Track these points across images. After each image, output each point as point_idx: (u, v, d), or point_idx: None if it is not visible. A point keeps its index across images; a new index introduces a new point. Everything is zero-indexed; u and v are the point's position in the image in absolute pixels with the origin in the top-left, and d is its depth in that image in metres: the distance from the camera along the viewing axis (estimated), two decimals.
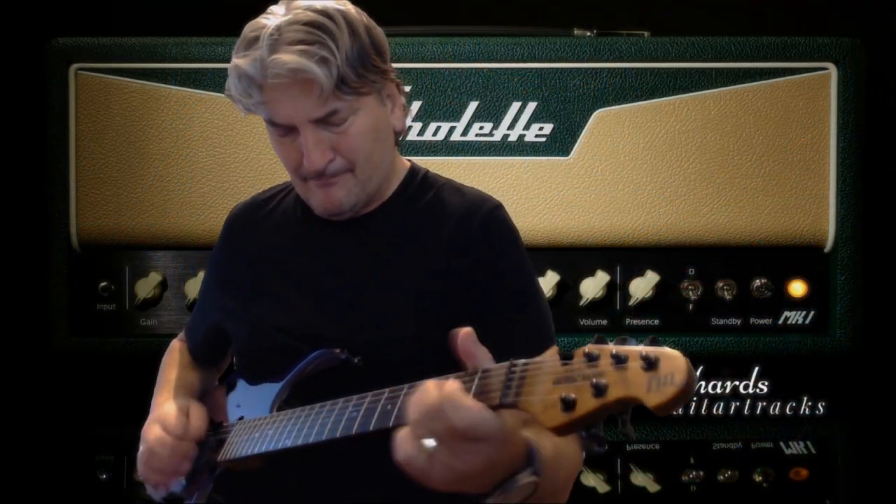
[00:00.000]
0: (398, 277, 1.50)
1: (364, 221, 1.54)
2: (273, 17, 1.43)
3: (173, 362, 1.77)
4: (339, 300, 1.51)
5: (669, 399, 1.00)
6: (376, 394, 1.26)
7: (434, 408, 1.11)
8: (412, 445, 1.13)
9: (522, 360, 1.12)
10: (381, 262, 1.52)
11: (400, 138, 1.57)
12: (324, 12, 1.42)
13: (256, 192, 1.72)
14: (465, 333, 1.20)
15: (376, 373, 1.42)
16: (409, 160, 1.62)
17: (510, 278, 1.50)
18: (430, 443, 1.12)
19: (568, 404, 1.03)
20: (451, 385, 1.13)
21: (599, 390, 1.02)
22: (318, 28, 1.40)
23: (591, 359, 1.05)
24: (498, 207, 1.54)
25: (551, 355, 1.10)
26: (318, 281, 1.54)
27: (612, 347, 1.05)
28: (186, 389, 1.70)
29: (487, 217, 1.52)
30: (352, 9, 1.47)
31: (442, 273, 1.49)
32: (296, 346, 1.50)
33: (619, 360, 1.03)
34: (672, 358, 1.02)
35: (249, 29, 1.44)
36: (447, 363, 1.45)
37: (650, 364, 1.01)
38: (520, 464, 1.17)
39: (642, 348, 1.03)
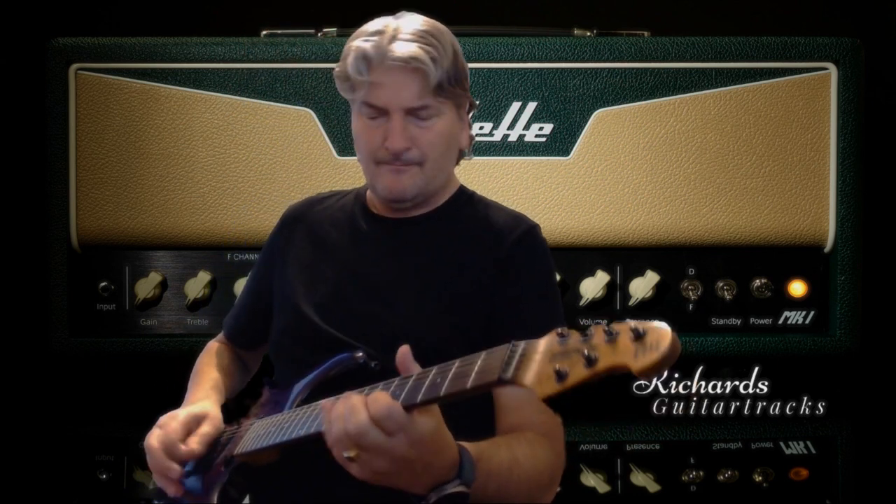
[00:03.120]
0: (437, 277, 1.62)
1: (414, 224, 1.68)
2: (394, 20, 1.62)
3: (209, 362, 1.83)
4: (380, 292, 1.62)
5: (653, 363, 1.09)
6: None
7: (361, 424, 1.27)
8: (337, 452, 1.30)
9: (523, 341, 1.20)
10: (424, 261, 1.64)
11: (461, 158, 1.73)
12: (436, 27, 1.63)
13: (312, 195, 1.84)
14: (402, 351, 1.34)
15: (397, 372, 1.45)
16: (460, 182, 1.76)
17: (532, 296, 1.61)
18: (348, 453, 1.28)
19: (561, 376, 1.13)
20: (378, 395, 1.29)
21: (590, 361, 1.12)
22: (433, 36, 1.60)
23: (586, 336, 1.14)
24: (535, 227, 1.68)
25: (550, 336, 1.18)
26: (364, 273, 1.65)
27: (606, 326, 1.15)
28: (221, 390, 1.76)
29: (524, 233, 1.65)
30: (452, 36, 1.66)
31: (476, 277, 1.61)
32: (328, 333, 1.59)
33: (611, 335, 1.12)
34: (658, 328, 1.11)
35: (373, 23, 1.62)
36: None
37: (638, 335, 1.11)
38: (451, 473, 1.32)
39: (632, 322, 1.12)
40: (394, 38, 1.57)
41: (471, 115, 1.73)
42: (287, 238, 1.77)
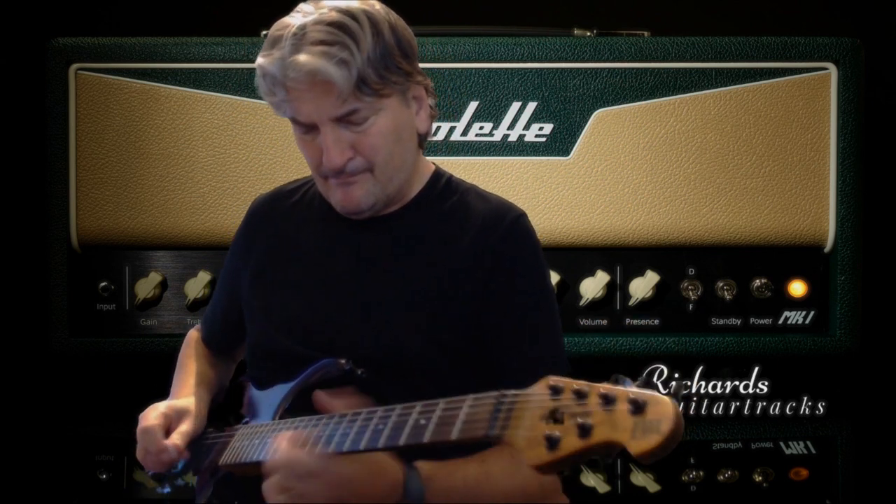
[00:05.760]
0: (416, 279, 1.50)
1: (386, 222, 1.54)
2: (299, 16, 1.44)
3: (191, 355, 1.76)
4: (354, 299, 1.52)
5: (653, 447, 0.99)
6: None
7: (281, 462, 1.28)
8: (271, 493, 1.30)
9: (512, 392, 1.11)
10: (400, 263, 1.52)
11: (425, 141, 1.57)
12: (348, 13, 1.42)
13: (281, 184, 1.72)
14: (315, 396, 1.35)
15: (385, 377, 1.43)
16: (433, 163, 1.62)
17: (526, 293, 1.51)
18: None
19: (552, 443, 1.04)
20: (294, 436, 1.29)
21: (585, 431, 1.02)
22: (341, 29, 1.40)
23: (581, 396, 1.05)
24: (522, 216, 1.55)
25: (541, 388, 1.09)
26: (334, 278, 1.54)
27: (602, 387, 1.05)
28: (206, 385, 1.69)
29: (512, 225, 1.52)
30: (379, 9, 1.47)
31: (461, 277, 1.49)
32: (302, 351, 1.51)
33: (608, 401, 1.03)
34: (660, 404, 1.01)
35: (275, 28, 1.45)
36: (459, 368, 1.47)
37: (638, 408, 1.01)
38: (394, 495, 1.29)
39: (631, 390, 1.03)
40: (294, 48, 1.39)
41: (426, 88, 1.54)
42: (253, 239, 1.66)
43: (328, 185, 1.51)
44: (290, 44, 1.40)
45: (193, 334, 1.82)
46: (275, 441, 1.31)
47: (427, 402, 1.21)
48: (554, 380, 1.07)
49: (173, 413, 1.57)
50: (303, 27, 1.40)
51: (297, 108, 1.44)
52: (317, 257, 1.57)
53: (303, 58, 1.38)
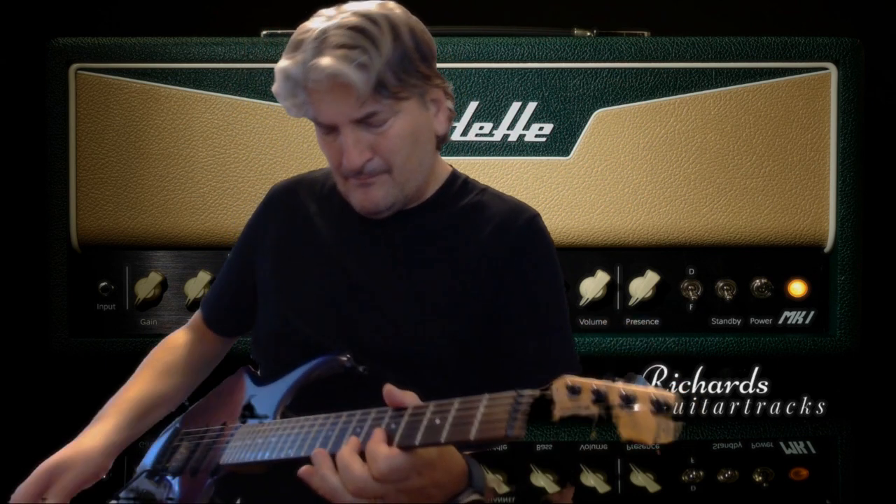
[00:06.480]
0: (429, 276, 1.53)
1: (403, 219, 1.57)
2: (320, 21, 1.48)
3: (151, 365, 1.76)
4: (365, 294, 1.54)
5: (672, 440, 1.04)
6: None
7: (363, 483, 1.23)
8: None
9: (529, 391, 1.11)
10: (416, 260, 1.55)
11: (442, 143, 1.59)
12: (369, 17, 1.46)
13: (302, 173, 1.74)
14: (387, 391, 1.28)
15: (391, 370, 1.43)
16: (450, 165, 1.65)
17: (537, 291, 1.54)
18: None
19: None
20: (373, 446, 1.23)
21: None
22: (361, 33, 1.44)
23: (600, 396, 1.06)
24: (537, 217, 1.58)
25: (559, 387, 1.09)
26: (346, 272, 1.56)
27: (621, 387, 1.05)
28: (143, 407, 1.71)
29: (527, 225, 1.56)
30: (399, 13, 1.51)
31: (475, 275, 1.52)
32: (314, 339, 1.53)
33: (628, 401, 1.04)
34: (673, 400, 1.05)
35: (298, 32, 1.49)
36: (466, 363, 1.47)
37: (659, 408, 1.03)
38: (462, 484, 1.28)
39: (651, 391, 1.04)
40: (316, 51, 1.43)
41: (444, 91, 1.55)
42: (271, 224, 1.68)
43: (348, 185, 1.54)
44: (312, 47, 1.44)
45: (173, 338, 1.80)
46: (342, 459, 1.27)
47: (439, 401, 1.22)
48: (571, 379, 1.08)
49: (53, 469, 1.63)
50: (324, 31, 1.44)
51: (318, 109, 1.48)
52: (331, 250, 1.59)
53: (324, 61, 1.42)
